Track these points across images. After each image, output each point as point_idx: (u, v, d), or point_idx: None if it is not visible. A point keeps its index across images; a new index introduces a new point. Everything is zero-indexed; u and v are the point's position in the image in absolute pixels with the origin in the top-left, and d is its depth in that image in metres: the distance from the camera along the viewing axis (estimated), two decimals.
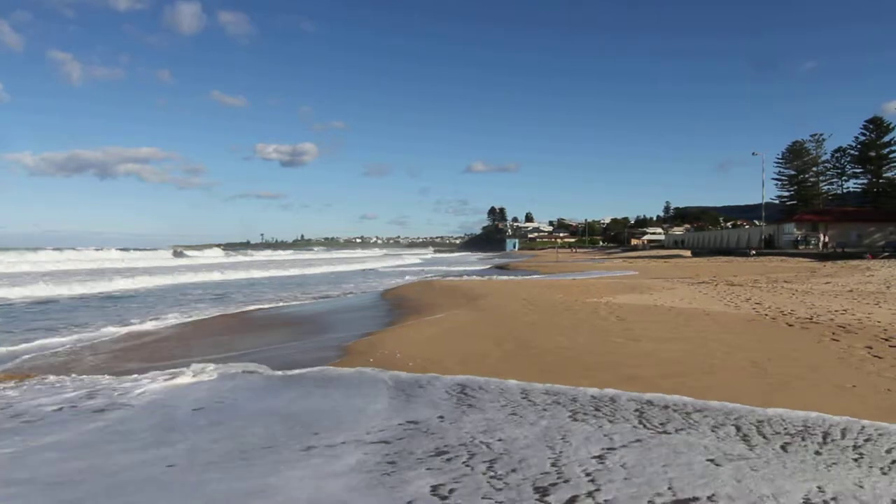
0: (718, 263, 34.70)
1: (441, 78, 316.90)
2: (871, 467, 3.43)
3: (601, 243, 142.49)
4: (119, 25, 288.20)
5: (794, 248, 48.48)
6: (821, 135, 75.97)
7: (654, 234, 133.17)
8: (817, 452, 3.67)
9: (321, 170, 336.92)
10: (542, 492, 3.17)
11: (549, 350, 7.35)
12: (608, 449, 3.79)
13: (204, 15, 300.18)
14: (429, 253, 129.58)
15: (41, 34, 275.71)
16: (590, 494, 3.11)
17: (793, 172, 78.46)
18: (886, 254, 34.16)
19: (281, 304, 16.93)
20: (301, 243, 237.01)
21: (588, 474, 3.38)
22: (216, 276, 30.50)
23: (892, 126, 68.06)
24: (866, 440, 3.89)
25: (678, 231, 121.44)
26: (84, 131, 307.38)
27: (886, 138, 68.45)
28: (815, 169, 77.30)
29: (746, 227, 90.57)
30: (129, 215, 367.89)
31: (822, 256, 35.84)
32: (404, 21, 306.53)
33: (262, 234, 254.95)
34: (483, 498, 3.12)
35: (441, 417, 4.62)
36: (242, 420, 4.85)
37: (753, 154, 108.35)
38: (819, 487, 3.14)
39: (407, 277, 30.01)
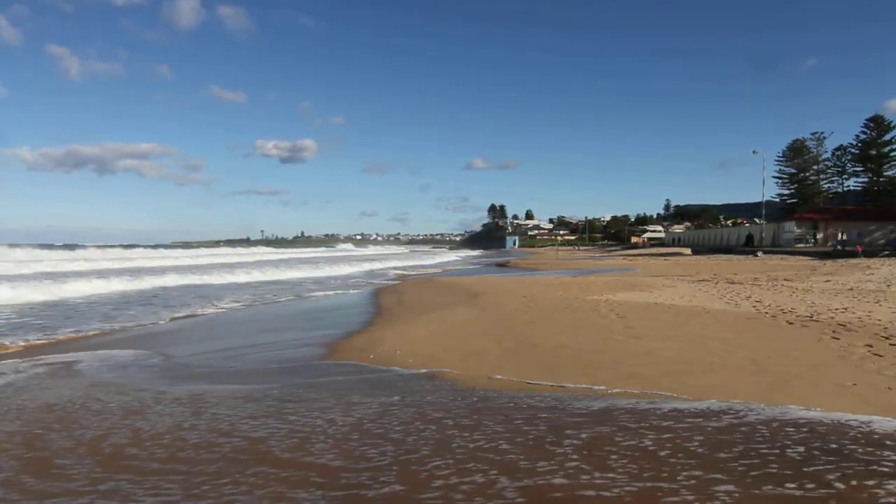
0: (718, 261, 34.67)
1: (441, 75, 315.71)
2: None
3: (601, 241, 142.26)
4: (117, 20, 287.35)
5: (792, 245, 48.43)
6: (821, 133, 75.69)
7: (654, 232, 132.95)
8: None
9: (321, 166, 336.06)
10: None
11: (550, 348, 7.33)
12: None
13: (202, 10, 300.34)
14: (444, 250, 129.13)
15: (39, 29, 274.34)
16: None
17: (793, 171, 78.11)
18: (886, 252, 34.09)
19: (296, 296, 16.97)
20: (301, 240, 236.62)
21: None
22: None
23: (892, 125, 67.84)
24: None
25: (678, 229, 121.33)
26: (82, 127, 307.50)
27: (887, 137, 68.17)
28: (815, 167, 76.98)
29: (747, 225, 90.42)
30: (128, 211, 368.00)
31: (822, 255, 35.79)
32: (404, 18, 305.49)
33: (262, 231, 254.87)
34: None
35: None
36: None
37: (754, 153, 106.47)
38: None
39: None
